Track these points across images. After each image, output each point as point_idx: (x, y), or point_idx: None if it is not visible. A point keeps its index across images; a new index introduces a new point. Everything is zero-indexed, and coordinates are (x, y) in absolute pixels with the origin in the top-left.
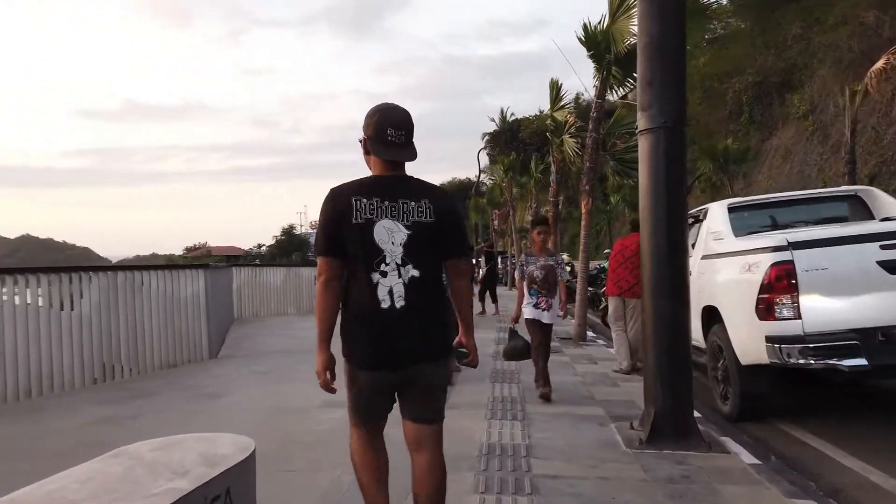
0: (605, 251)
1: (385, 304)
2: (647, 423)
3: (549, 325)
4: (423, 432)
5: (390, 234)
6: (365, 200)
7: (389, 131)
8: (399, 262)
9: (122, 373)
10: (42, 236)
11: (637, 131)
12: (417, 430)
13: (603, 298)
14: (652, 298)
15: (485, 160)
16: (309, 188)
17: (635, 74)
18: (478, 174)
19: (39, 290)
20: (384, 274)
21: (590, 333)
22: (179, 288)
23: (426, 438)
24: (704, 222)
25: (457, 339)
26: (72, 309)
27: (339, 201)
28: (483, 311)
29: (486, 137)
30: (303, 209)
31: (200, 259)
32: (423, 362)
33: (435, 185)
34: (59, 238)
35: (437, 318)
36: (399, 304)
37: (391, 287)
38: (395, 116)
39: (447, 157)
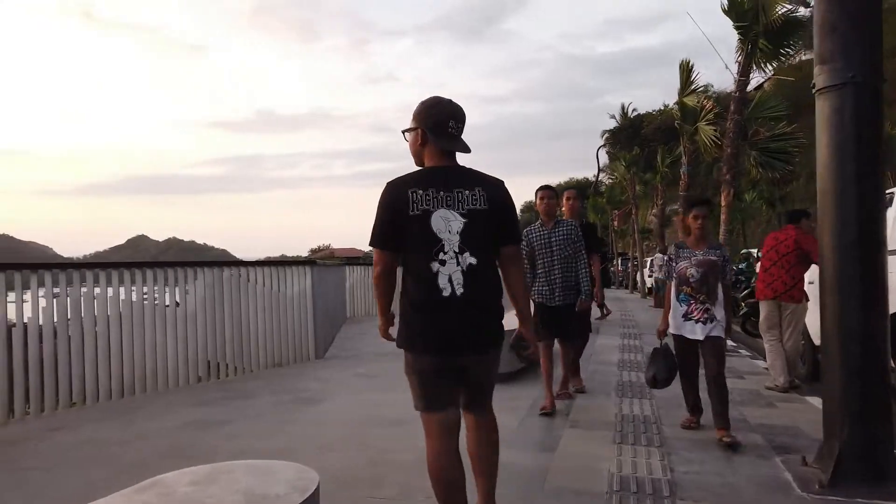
0: (744, 251)
1: (446, 292)
2: (828, 460)
3: (712, 344)
4: (476, 405)
5: (447, 223)
6: (421, 192)
7: (451, 123)
8: (457, 249)
9: (227, 371)
10: (186, 238)
11: (814, 90)
12: (472, 405)
13: (742, 304)
14: (835, 306)
15: (604, 158)
16: None
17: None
18: (596, 173)
19: (145, 287)
20: (443, 262)
21: (729, 343)
22: (286, 285)
23: (480, 408)
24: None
25: (516, 331)
26: (177, 305)
27: (396, 194)
28: (607, 313)
29: (606, 135)
30: None
31: (323, 261)
32: (482, 348)
33: (487, 175)
34: (200, 241)
35: (494, 304)
36: (459, 291)
37: (450, 275)
38: (454, 109)
39: (563, 157)
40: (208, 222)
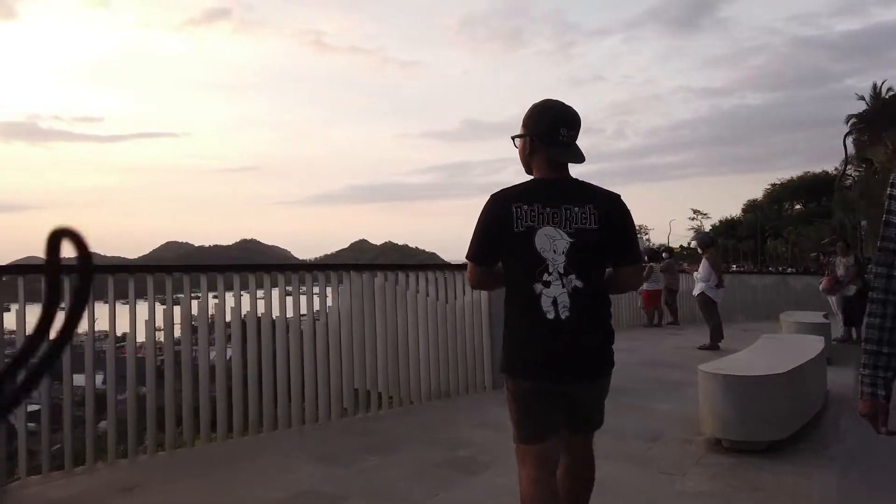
0: None
1: (550, 315)
2: None
3: None
4: (578, 441)
5: (552, 242)
6: (526, 207)
7: (562, 130)
8: (561, 271)
9: (379, 402)
10: (400, 242)
11: None
12: (573, 439)
13: None
14: None
15: (851, 148)
16: (634, 192)
17: None
18: (843, 164)
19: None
20: (547, 284)
21: None
22: (455, 295)
23: (581, 447)
24: None
25: None
26: (315, 318)
27: (499, 208)
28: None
29: (853, 121)
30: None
31: None
32: (588, 376)
33: (602, 189)
34: (412, 244)
35: (602, 330)
36: (564, 315)
37: (555, 297)
38: (567, 114)
39: (796, 150)
40: (420, 227)
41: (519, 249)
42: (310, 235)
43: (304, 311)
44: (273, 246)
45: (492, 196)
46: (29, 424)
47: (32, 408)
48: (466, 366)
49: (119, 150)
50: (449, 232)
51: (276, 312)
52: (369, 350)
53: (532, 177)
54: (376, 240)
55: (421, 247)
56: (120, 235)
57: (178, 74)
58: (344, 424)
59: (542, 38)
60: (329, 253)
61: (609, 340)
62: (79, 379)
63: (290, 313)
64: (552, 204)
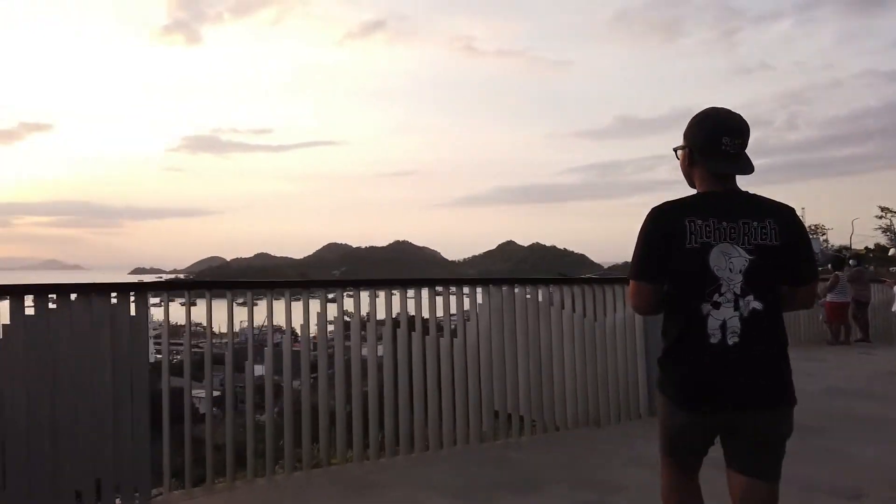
0: None
1: (714, 339)
2: None
3: None
4: (754, 489)
5: (728, 260)
6: (700, 221)
7: (724, 140)
8: (738, 291)
9: (521, 428)
10: (548, 244)
11: None
12: (747, 486)
13: None
14: None
15: None
16: (808, 189)
17: None
18: None
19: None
20: (717, 305)
21: None
22: (605, 310)
23: (758, 497)
24: None
25: None
26: (441, 335)
27: (669, 222)
28: None
29: None
30: (800, 212)
31: None
32: (755, 408)
33: (777, 202)
34: (560, 246)
35: (777, 356)
36: (731, 340)
37: (724, 321)
38: (729, 122)
39: None
40: (569, 228)
41: (689, 267)
42: (459, 237)
43: (438, 324)
44: (424, 247)
45: (656, 209)
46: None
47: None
48: (618, 390)
49: (286, 158)
50: (599, 233)
51: (416, 327)
52: (510, 370)
53: (696, 190)
54: (524, 241)
55: (570, 248)
56: (287, 237)
57: (339, 86)
58: (481, 452)
59: (704, 27)
60: (477, 254)
61: (786, 369)
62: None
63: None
64: (729, 218)
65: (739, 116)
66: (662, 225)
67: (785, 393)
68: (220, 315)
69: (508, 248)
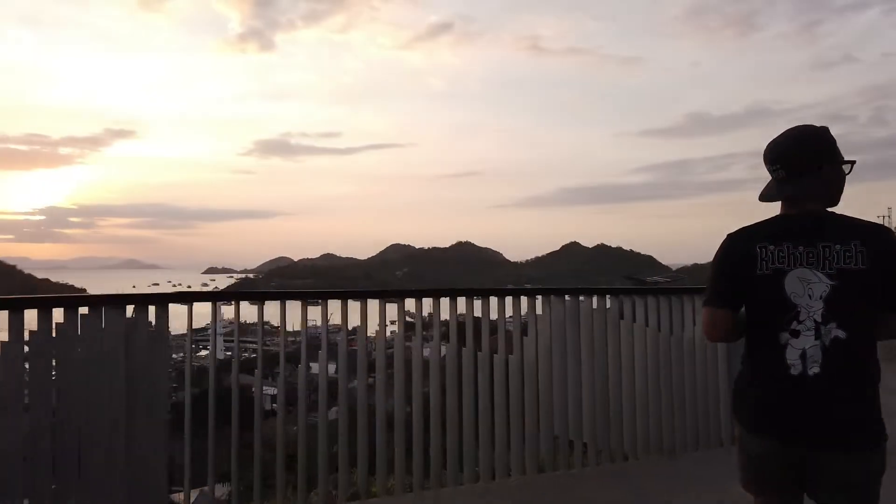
0: None
1: (795, 371)
2: None
3: None
4: None
5: (806, 286)
6: (772, 247)
7: (769, 167)
8: (818, 319)
9: (584, 458)
10: (613, 245)
11: None
12: None
13: None
14: None
15: None
16: (894, 188)
17: None
18: None
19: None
20: (796, 333)
21: None
22: (682, 324)
23: None
24: None
25: None
26: (495, 352)
27: (740, 248)
28: None
29: None
30: (885, 212)
31: None
32: (838, 444)
33: (866, 221)
34: (627, 248)
35: (864, 392)
36: (812, 370)
37: (804, 350)
38: (770, 148)
39: None
40: (636, 229)
41: (764, 295)
42: (522, 237)
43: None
44: (486, 248)
45: (729, 235)
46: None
47: None
48: (696, 414)
49: (353, 161)
50: (667, 234)
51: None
52: (573, 390)
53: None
54: (588, 242)
55: (636, 249)
56: (352, 238)
57: (405, 89)
58: (539, 483)
59: (783, 19)
60: (540, 255)
61: (873, 405)
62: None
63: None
64: (805, 242)
65: (785, 139)
66: (733, 252)
67: (870, 432)
68: (288, 313)
69: (572, 249)
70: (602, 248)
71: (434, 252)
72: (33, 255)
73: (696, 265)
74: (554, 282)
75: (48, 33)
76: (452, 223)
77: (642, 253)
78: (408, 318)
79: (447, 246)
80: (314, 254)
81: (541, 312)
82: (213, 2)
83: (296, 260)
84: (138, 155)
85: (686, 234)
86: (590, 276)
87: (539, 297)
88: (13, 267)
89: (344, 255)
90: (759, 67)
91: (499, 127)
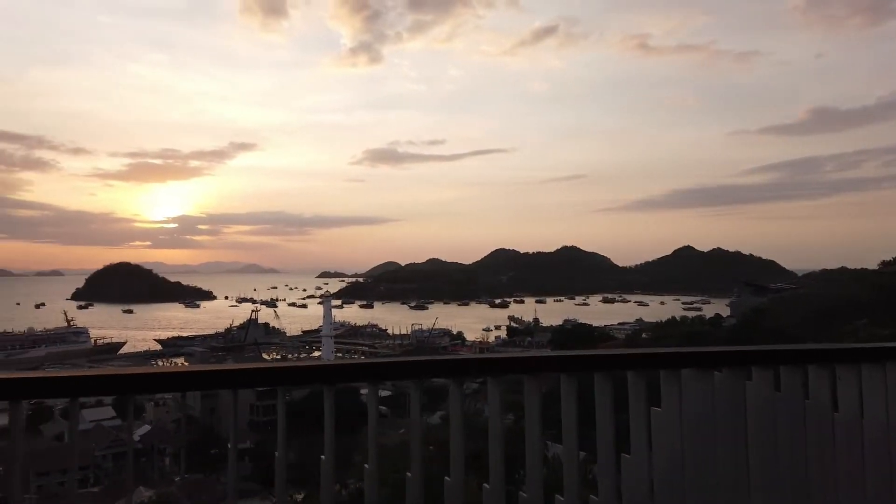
0: None
1: None
2: None
3: None
4: None
5: None
6: None
7: None
8: None
9: None
10: (730, 249)
11: None
12: None
13: None
14: None
15: None
16: None
17: None
18: None
19: None
20: None
21: None
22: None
23: None
24: None
25: None
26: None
27: None
28: None
29: None
30: None
31: None
32: None
33: None
34: (745, 251)
35: None
36: None
37: None
38: None
39: None
40: (755, 232)
41: None
42: (630, 242)
43: None
44: (593, 252)
45: None
46: None
47: None
48: None
49: (458, 167)
50: (791, 237)
51: None
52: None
53: None
54: (702, 246)
55: (756, 254)
56: (457, 243)
57: (509, 94)
58: None
59: None
60: (650, 260)
61: None
62: None
63: None
64: None
65: None
66: None
67: None
68: (394, 317)
69: (685, 253)
70: (718, 253)
71: (539, 257)
72: (167, 260)
73: (824, 270)
74: (666, 287)
75: (179, 56)
76: (557, 227)
77: (763, 257)
78: (512, 323)
79: (552, 251)
80: (420, 258)
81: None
82: (327, 19)
83: (403, 264)
84: (258, 165)
85: (812, 237)
86: (704, 282)
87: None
88: (150, 271)
89: (449, 260)
90: (892, 57)
91: (604, 129)
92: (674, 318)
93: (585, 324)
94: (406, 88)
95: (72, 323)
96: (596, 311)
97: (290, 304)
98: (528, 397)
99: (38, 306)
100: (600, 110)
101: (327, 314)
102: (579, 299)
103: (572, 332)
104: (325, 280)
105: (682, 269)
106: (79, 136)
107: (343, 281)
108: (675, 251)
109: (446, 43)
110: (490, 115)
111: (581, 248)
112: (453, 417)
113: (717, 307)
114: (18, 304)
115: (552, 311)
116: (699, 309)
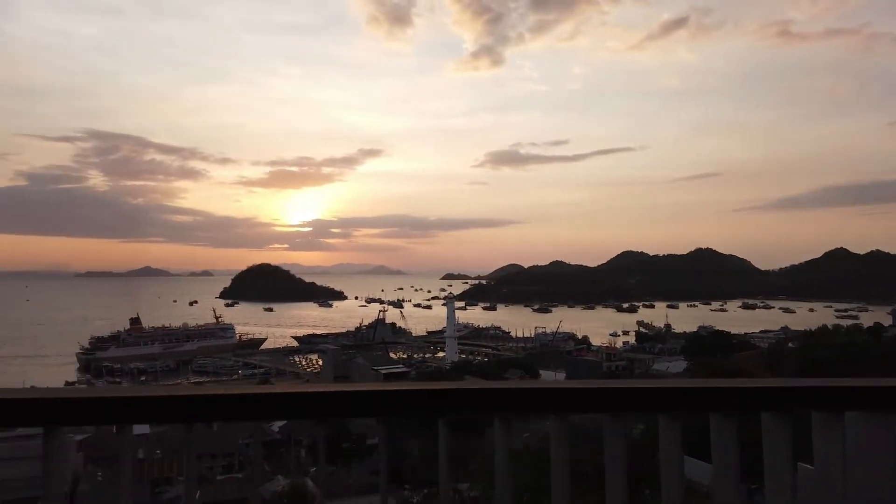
0: None
1: None
2: None
3: None
4: None
5: None
6: None
7: None
8: None
9: None
10: (892, 251)
11: None
12: None
13: None
14: None
15: None
16: None
17: None
18: None
19: None
20: None
21: None
22: None
23: None
24: None
25: None
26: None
27: None
28: None
29: None
30: None
31: None
32: None
33: None
34: None
35: None
36: None
37: None
38: None
39: None
40: None
41: None
42: (773, 244)
43: None
44: (730, 255)
45: None
46: None
47: None
48: None
49: (582, 167)
50: None
51: None
52: None
53: None
54: (858, 248)
55: None
56: (582, 245)
57: (635, 91)
58: None
59: None
60: (795, 263)
61: None
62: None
63: None
64: None
65: None
66: None
67: None
68: (517, 319)
69: (837, 256)
70: (877, 255)
71: (670, 259)
72: (303, 262)
73: None
74: (815, 293)
75: (313, 68)
76: (690, 228)
77: None
78: (641, 329)
79: (685, 253)
80: (544, 261)
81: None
82: (449, 25)
83: (525, 266)
84: (385, 170)
85: None
86: (861, 286)
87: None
88: (287, 272)
89: (573, 263)
90: None
91: (742, 123)
92: (825, 326)
93: (723, 331)
94: (528, 89)
95: (220, 320)
96: (734, 318)
97: (415, 305)
98: (607, 444)
99: (191, 304)
100: (737, 104)
101: (451, 316)
102: (715, 304)
103: (708, 340)
104: (449, 282)
105: (835, 274)
106: (226, 146)
107: (466, 283)
108: (825, 253)
109: (569, 41)
110: (616, 113)
111: (717, 249)
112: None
113: (876, 315)
114: (175, 301)
115: (685, 317)
116: (855, 317)
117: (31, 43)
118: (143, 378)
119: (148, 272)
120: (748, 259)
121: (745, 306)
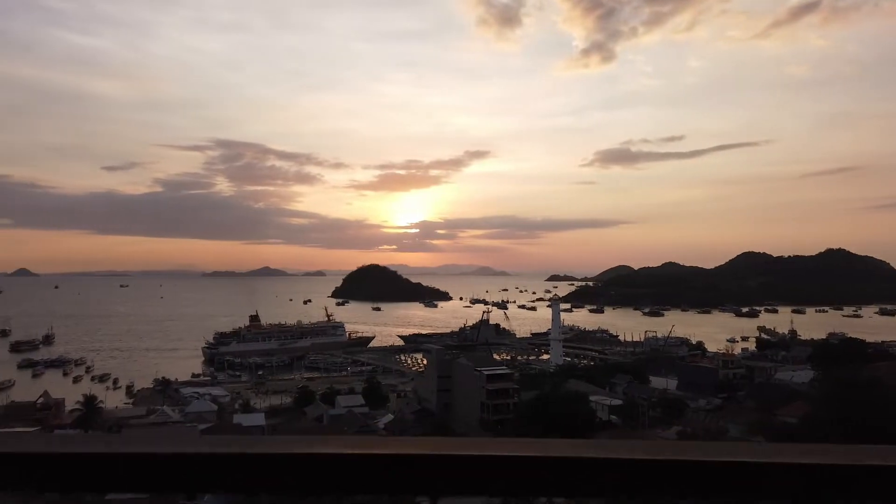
0: None
1: None
2: None
3: None
4: None
5: None
6: None
7: None
8: None
9: None
10: None
11: None
12: None
13: None
14: None
15: None
16: None
17: None
18: None
19: None
20: None
21: None
22: None
23: None
24: None
25: None
26: None
27: None
28: None
29: None
30: None
31: None
32: None
33: None
34: None
35: None
36: None
37: None
38: None
39: None
40: None
41: None
42: None
43: None
44: (866, 256)
45: None
46: None
47: None
48: None
49: (699, 164)
50: None
51: None
52: None
53: None
54: None
55: None
56: (698, 246)
57: (759, 81)
58: None
59: None
60: None
61: None
62: None
63: None
64: None
65: None
66: None
67: None
68: (626, 323)
69: None
70: None
71: (796, 261)
72: (410, 263)
73: None
74: None
75: (422, 73)
76: (819, 228)
77: None
78: (763, 335)
79: (813, 254)
80: (655, 262)
81: None
82: (559, 23)
83: (636, 268)
84: (491, 172)
85: None
86: None
87: None
88: (395, 272)
89: (687, 264)
90: None
91: (882, 113)
92: None
93: (856, 339)
94: (640, 85)
95: (331, 318)
96: (871, 325)
97: (519, 307)
98: None
99: (305, 302)
100: (876, 92)
101: (556, 318)
102: (848, 310)
103: (839, 349)
104: (554, 283)
105: None
106: (340, 152)
107: (572, 284)
108: None
109: (686, 33)
110: (737, 106)
111: (851, 251)
112: None
113: None
114: (291, 300)
115: (813, 323)
116: None
117: (167, 60)
118: (259, 372)
119: (266, 272)
120: (887, 261)
121: (883, 312)
